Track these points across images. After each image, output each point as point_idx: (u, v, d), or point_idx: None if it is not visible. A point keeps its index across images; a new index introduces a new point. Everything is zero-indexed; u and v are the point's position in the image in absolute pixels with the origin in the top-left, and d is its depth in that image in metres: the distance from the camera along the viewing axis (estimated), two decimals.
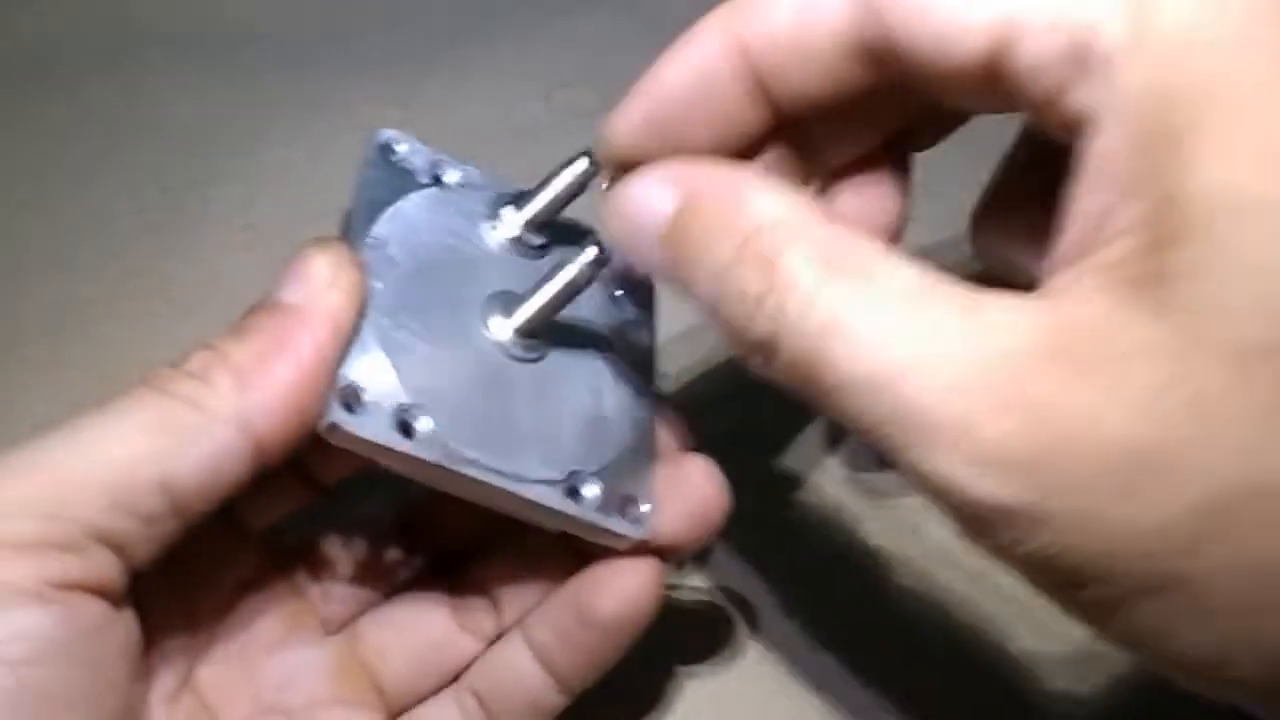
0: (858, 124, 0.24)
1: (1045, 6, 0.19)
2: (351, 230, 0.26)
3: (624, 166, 0.24)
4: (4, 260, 0.39)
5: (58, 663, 0.21)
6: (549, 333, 0.27)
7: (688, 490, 0.26)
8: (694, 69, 0.23)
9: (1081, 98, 0.18)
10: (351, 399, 0.23)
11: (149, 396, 0.22)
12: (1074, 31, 0.18)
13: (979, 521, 0.18)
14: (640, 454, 0.27)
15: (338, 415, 0.23)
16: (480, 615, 0.28)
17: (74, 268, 0.39)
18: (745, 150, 0.24)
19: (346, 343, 0.23)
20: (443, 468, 0.24)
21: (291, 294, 0.23)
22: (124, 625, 0.22)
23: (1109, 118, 0.18)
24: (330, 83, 0.46)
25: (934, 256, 0.20)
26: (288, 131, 0.44)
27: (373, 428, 0.23)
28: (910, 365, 0.18)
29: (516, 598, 0.27)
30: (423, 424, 0.24)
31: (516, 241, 0.28)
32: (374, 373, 0.24)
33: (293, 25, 0.49)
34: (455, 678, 0.27)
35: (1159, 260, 0.17)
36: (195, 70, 0.46)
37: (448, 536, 0.29)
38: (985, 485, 0.18)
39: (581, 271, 0.25)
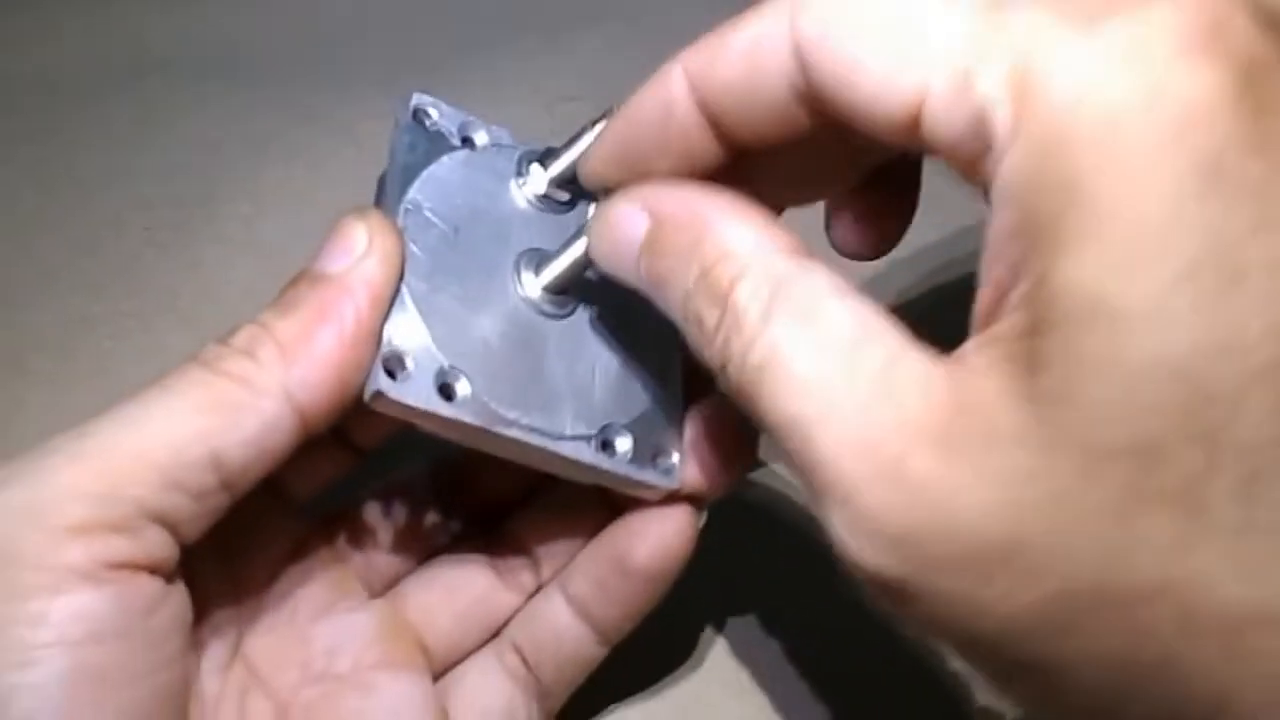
0: (828, 157, 0.25)
1: (950, 85, 0.18)
2: (386, 195, 0.26)
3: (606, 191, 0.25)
4: (12, 276, 0.39)
5: (115, 642, 0.21)
6: (577, 289, 0.27)
7: (712, 438, 0.27)
8: (659, 104, 0.23)
9: (987, 170, 0.18)
10: (394, 366, 0.24)
11: (198, 373, 0.22)
12: (972, 111, 0.18)
13: (868, 585, 0.19)
14: (667, 405, 0.27)
15: (382, 383, 0.23)
16: (519, 570, 0.28)
17: (81, 283, 0.39)
18: (717, 178, 0.24)
19: (386, 309, 0.24)
20: (483, 429, 0.24)
21: (331, 263, 0.24)
22: (176, 600, 0.22)
23: (1000, 196, 0.18)
24: (332, 100, 0.46)
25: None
26: (290, 148, 0.44)
27: (416, 393, 0.24)
28: (824, 417, 0.19)
29: (553, 552, 0.28)
30: (462, 387, 0.24)
31: (544, 198, 0.28)
32: (414, 338, 0.24)
33: (296, 45, 0.50)
34: (496, 633, 0.28)
35: (1034, 345, 0.17)
36: (200, 90, 0.47)
37: (484, 494, 0.29)
38: (865, 551, 0.18)
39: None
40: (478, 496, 0.29)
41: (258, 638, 0.27)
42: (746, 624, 0.33)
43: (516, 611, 0.28)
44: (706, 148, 0.23)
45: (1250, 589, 0.16)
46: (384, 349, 0.24)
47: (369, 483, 0.29)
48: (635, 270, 0.23)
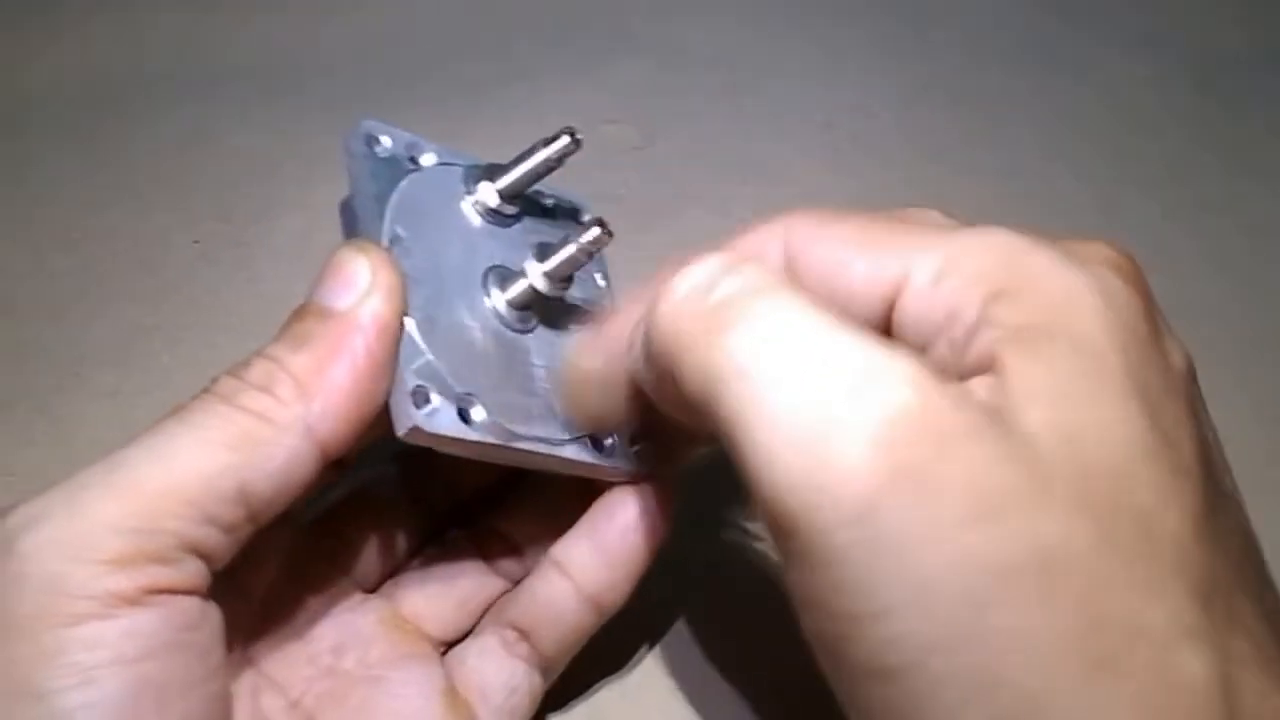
0: None
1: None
2: (362, 225, 0.27)
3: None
4: (71, 291, 0.40)
5: (168, 656, 0.22)
6: (537, 304, 0.28)
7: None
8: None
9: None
10: (421, 400, 0.25)
11: (220, 408, 0.23)
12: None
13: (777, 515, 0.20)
14: None
15: (418, 419, 0.24)
16: (506, 557, 0.30)
17: (137, 298, 0.40)
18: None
19: (395, 343, 0.25)
20: (501, 446, 0.26)
21: (336, 299, 0.24)
22: (214, 615, 0.23)
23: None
24: (380, 119, 0.47)
25: None
26: (339, 165, 0.45)
27: (445, 424, 0.25)
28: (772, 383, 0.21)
29: (536, 536, 0.30)
30: (477, 411, 0.26)
31: (493, 212, 0.29)
32: (427, 368, 0.25)
33: (345, 63, 0.51)
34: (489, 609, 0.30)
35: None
36: (254, 106, 0.48)
37: (455, 488, 0.31)
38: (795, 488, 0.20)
39: (583, 248, 0.27)
40: (450, 490, 0.31)
41: (263, 643, 0.28)
42: (731, 600, 0.34)
43: (505, 593, 0.30)
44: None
45: (1184, 615, 0.19)
46: (410, 384, 0.25)
47: (339, 486, 0.30)
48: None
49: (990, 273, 0.21)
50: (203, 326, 0.39)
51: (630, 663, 0.33)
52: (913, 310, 0.22)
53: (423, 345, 0.25)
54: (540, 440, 0.27)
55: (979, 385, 0.20)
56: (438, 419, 0.25)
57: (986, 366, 0.20)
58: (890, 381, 0.19)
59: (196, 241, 0.42)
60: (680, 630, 0.33)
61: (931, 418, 0.19)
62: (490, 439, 0.26)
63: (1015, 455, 0.19)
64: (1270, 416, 0.41)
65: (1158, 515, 0.19)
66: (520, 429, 0.26)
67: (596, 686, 0.32)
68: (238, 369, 0.24)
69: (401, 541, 0.30)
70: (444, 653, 0.29)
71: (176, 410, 0.23)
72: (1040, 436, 0.19)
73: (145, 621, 0.21)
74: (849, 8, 0.58)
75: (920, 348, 0.22)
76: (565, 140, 0.28)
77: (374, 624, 0.29)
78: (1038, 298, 0.20)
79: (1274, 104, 0.56)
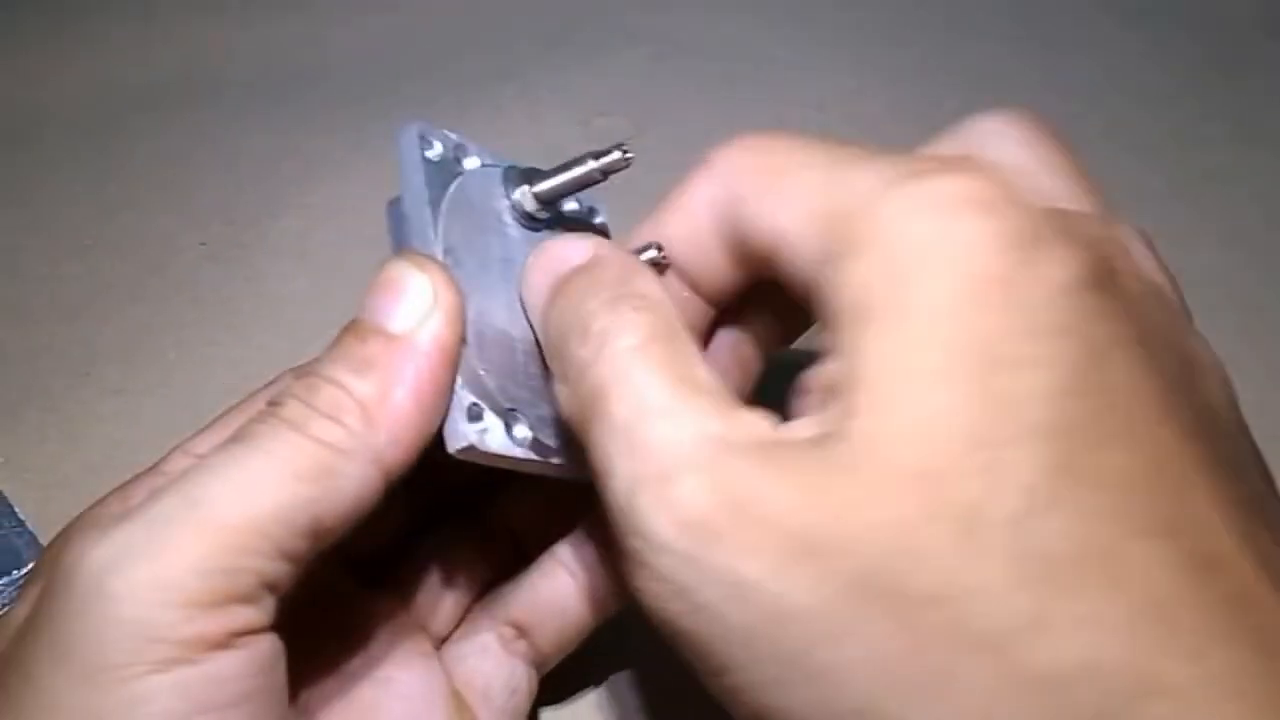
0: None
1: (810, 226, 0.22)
2: (413, 233, 0.26)
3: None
4: (79, 291, 0.42)
5: (255, 698, 0.22)
6: None
7: None
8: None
9: (820, 278, 0.22)
10: (475, 418, 0.24)
11: (291, 437, 0.23)
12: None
13: (651, 567, 0.20)
14: None
15: (473, 438, 0.24)
16: (504, 552, 0.30)
17: (144, 298, 0.41)
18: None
19: (455, 365, 0.24)
20: (541, 461, 0.25)
21: (398, 320, 0.24)
22: (283, 651, 0.23)
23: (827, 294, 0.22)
24: (376, 119, 0.48)
25: None
26: (338, 166, 0.46)
27: (497, 442, 0.25)
28: (656, 414, 0.21)
29: (535, 531, 0.30)
30: (520, 429, 0.25)
31: (527, 216, 0.28)
32: (477, 385, 0.25)
33: (341, 66, 0.52)
34: (481, 602, 0.30)
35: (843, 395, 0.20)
36: (252, 112, 0.49)
37: (453, 476, 0.31)
38: (666, 530, 0.20)
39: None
40: (446, 478, 0.31)
41: None
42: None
43: (500, 587, 0.29)
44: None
45: (1019, 605, 0.17)
46: (465, 401, 0.24)
47: None
48: (549, 281, 0.25)
49: (838, 229, 0.21)
50: (207, 325, 0.41)
51: (618, 655, 0.33)
52: (792, 265, 0.22)
53: (476, 362, 0.25)
54: (566, 454, 0.26)
55: (816, 376, 0.20)
56: (490, 437, 0.24)
57: (830, 346, 0.20)
58: (688, 477, 0.19)
59: (203, 243, 0.44)
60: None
61: (725, 497, 0.19)
62: (533, 456, 0.25)
63: (817, 487, 0.19)
64: None
65: (984, 506, 0.18)
66: (555, 444, 0.26)
67: (585, 680, 0.33)
68: (302, 391, 0.23)
69: (396, 535, 0.30)
70: (438, 648, 0.29)
71: (245, 433, 0.23)
72: (857, 449, 0.19)
73: (229, 665, 0.22)
74: None
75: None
76: (615, 155, 0.27)
77: (376, 619, 0.28)
78: (875, 263, 0.20)
79: (1276, 71, 0.55)
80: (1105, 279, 0.20)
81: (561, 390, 0.23)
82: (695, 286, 0.26)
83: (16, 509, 0.34)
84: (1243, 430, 0.22)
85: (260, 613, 0.22)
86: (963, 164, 0.20)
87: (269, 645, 0.23)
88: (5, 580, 0.33)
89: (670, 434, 0.20)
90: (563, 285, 0.24)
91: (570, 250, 0.25)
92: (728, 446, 0.20)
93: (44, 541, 0.33)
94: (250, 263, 0.43)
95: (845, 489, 0.18)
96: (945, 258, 0.19)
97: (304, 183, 0.46)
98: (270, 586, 0.22)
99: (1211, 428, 0.21)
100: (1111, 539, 0.18)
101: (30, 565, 0.33)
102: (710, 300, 0.27)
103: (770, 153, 0.23)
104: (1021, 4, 0.58)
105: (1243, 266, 0.46)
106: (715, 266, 0.25)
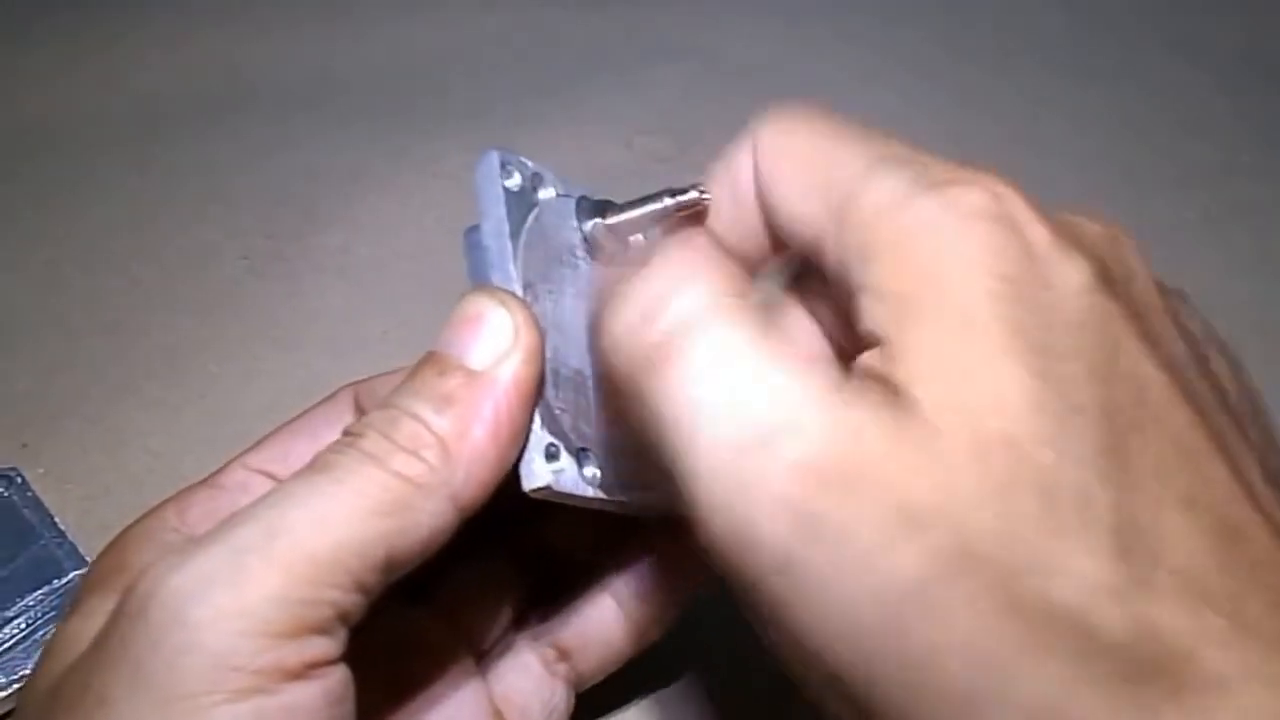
0: None
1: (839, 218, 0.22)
2: (493, 266, 0.25)
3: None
4: (121, 304, 0.42)
5: None
6: None
7: None
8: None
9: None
10: (552, 457, 0.24)
11: (371, 471, 0.23)
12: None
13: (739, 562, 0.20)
14: None
15: (549, 479, 0.24)
16: (545, 571, 0.30)
17: (185, 311, 0.42)
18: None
19: (534, 405, 0.24)
20: (609, 500, 0.25)
21: (477, 355, 0.24)
22: (352, 682, 0.23)
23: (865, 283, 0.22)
24: (419, 134, 0.48)
25: None
26: (380, 180, 0.47)
27: (571, 483, 0.25)
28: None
29: (577, 542, 0.30)
30: (589, 469, 0.25)
31: (599, 249, 0.27)
32: (556, 423, 0.25)
33: (385, 81, 0.52)
34: (525, 625, 0.30)
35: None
36: (295, 124, 0.49)
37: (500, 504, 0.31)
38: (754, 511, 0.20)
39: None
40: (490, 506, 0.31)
41: None
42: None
43: (544, 610, 0.30)
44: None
45: (1096, 575, 0.18)
46: (543, 441, 0.24)
47: None
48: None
49: (870, 239, 0.21)
50: (249, 338, 0.41)
51: (653, 671, 0.33)
52: (828, 256, 0.22)
53: (553, 400, 0.25)
54: (631, 491, 0.26)
55: (872, 360, 0.20)
56: (565, 478, 0.24)
57: (875, 341, 0.21)
58: (798, 432, 0.19)
59: (245, 257, 0.44)
60: (710, 637, 0.33)
61: (834, 463, 0.19)
62: (603, 496, 0.25)
63: (917, 452, 0.19)
64: None
65: (1056, 472, 0.19)
66: (616, 480, 0.26)
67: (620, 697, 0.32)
68: (382, 424, 0.23)
69: (443, 548, 0.30)
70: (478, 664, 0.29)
71: (324, 462, 0.23)
72: (936, 419, 0.19)
73: (305, 695, 0.22)
74: (884, 16, 0.58)
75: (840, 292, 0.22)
76: (693, 194, 0.26)
77: (424, 636, 0.28)
78: (908, 265, 0.21)
79: None
80: (1111, 280, 0.21)
81: (622, 355, 0.22)
82: (733, 252, 0.25)
83: (57, 519, 0.35)
84: (1255, 404, 0.23)
85: (334, 644, 0.22)
86: (981, 177, 0.21)
87: (341, 676, 0.23)
88: (46, 589, 0.33)
89: (780, 385, 0.20)
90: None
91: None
92: (843, 402, 0.20)
93: (84, 552, 0.34)
94: (292, 276, 0.43)
95: (938, 458, 0.19)
96: (973, 262, 0.20)
97: (346, 196, 0.46)
98: (344, 618, 0.22)
99: (1223, 406, 0.22)
100: (1151, 512, 0.19)
101: (72, 575, 0.33)
102: (747, 267, 0.26)
103: (806, 136, 0.24)
104: (1069, 34, 0.58)
105: (1275, 296, 0.45)
106: (754, 232, 0.25)
